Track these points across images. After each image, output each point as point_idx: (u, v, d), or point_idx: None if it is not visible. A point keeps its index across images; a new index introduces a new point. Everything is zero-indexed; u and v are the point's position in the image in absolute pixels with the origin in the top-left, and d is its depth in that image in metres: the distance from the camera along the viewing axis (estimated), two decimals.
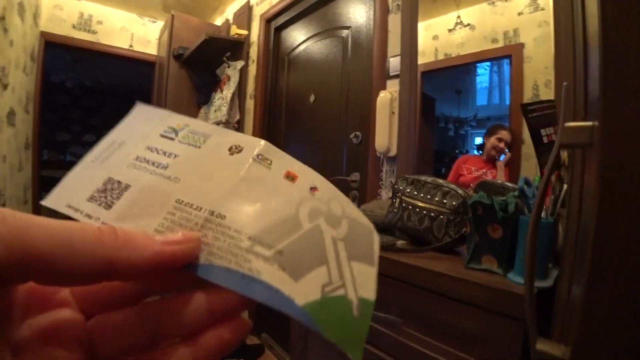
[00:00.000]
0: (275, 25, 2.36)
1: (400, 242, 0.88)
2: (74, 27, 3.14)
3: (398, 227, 0.93)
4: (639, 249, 0.28)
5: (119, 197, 0.21)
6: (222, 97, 2.46)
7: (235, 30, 2.49)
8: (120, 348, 0.17)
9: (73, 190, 0.22)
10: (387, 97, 1.38)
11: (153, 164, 0.23)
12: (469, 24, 1.22)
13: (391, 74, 1.41)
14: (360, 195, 1.60)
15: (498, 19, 1.14)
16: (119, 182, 0.21)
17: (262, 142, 0.24)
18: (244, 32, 2.51)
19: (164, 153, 0.23)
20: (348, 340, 0.18)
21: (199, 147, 0.24)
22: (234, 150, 0.23)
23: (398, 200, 0.96)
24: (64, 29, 3.10)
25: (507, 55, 1.14)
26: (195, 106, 2.84)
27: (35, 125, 3.01)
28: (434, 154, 1.45)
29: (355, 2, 1.74)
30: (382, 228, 0.98)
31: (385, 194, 1.42)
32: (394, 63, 1.39)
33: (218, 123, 2.40)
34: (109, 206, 0.20)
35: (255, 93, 2.38)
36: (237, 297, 0.17)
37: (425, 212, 0.85)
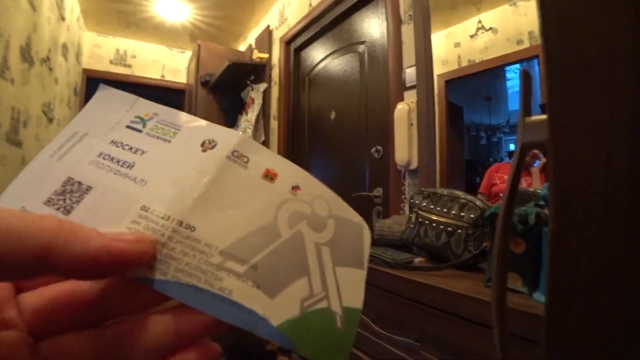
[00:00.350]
0: (294, 46, 2.41)
1: (417, 260, 0.83)
2: (111, 62, 3.38)
3: (415, 244, 0.88)
4: (594, 255, 0.24)
5: (78, 201, 0.18)
6: (247, 120, 2.52)
7: (257, 54, 2.57)
8: None
9: (29, 190, 0.19)
10: (404, 108, 1.34)
11: (118, 162, 0.20)
12: (491, 28, 1.18)
13: (407, 85, 1.38)
14: (383, 210, 1.56)
15: (521, 19, 1.09)
16: (79, 183, 0.19)
17: (238, 135, 0.22)
18: (265, 55, 2.58)
19: (130, 149, 0.21)
20: (330, 356, 0.17)
21: (169, 142, 0.21)
22: (207, 145, 0.21)
23: (415, 215, 0.92)
24: (102, 65, 3.34)
25: (535, 56, 1.08)
26: None
27: None
28: (465, 164, 1.38)
29: (369, 16, 1.74)
30: (400, 245, 0.93)
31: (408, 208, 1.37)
32: (410, 74, 1.36)
33: None
34: (67, 211, 0.18)
35: (279, 114, 2.41)
36: (207, 318, 0.15)
37: (442, 226, 0.80)
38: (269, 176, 0.21)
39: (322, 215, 0.21)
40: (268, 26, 2.73)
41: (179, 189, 0.19)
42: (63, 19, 2.44)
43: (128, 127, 0.22)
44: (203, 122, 0.22)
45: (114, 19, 3.11)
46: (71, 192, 0.19)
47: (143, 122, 0.22)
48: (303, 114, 2.31)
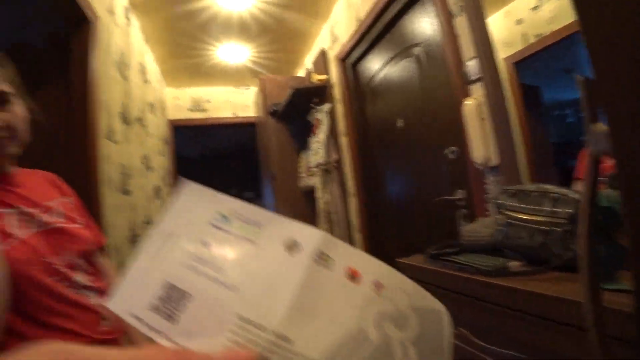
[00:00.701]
0: (350, 62, 2.45)
1: (513, 264, 0.77)
2: (189, 110, 3.78)
3: (507, 247, 0.82)
4: None
5: (180, 310, 0.21)
6: (318, 141, 2.60)
7: (315, 77, 2.66)
8: None
9: (133, 295, 0.22)
10: (473, 103, 1.27)
11: (210, 265, 0.22)
12: None
13: (471, 78, 1.31)
14: (469, 212, 1.47)
15: None
16: (178, 289, 0.22)
17: (319, 234, 0.23)
18: (324, 76, 2.66)
19: (218, 250, 0.23)
20: None
21: (254, 242, 0.23)
22: (291, 246, 0.22)
23: (503, 216, 0.85)
24: (183, 113, 3.75)
25: None
26: (296, 153, 3.05)
27: None
28: (553, 148, 1.25)
29: (418, 17, 1.70)
30: (490, 249, 0.87)
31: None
32: (472, 66, 1.29)
33: (318, 165, 2.53)
34: (171, 319, 0.21)
35: (347, 130, 2.45)
36: None
37: (534, 225, 0.73)
38: (352, 275, 0.22)
39: (405, 310, 0.22)
40: (322, 49, 2.82)
41: (271, 297, 0.21)
42: (147, 82, 2.81)
43: (213, 225, 0.24)
44: (283, 220, 0.24)
45: (186, 72, 3.49)
46: (173, 299, 0.21)
47: (226, 219, 0.24)
48: (370, 126, 2.32)
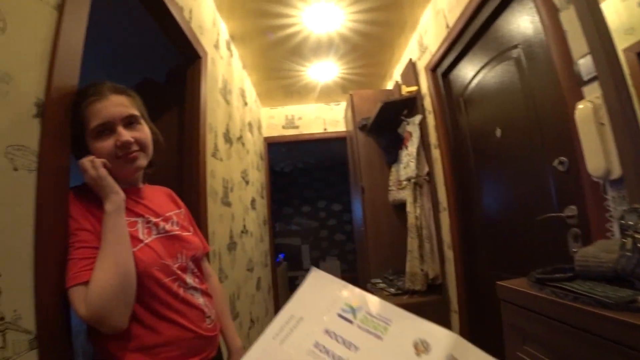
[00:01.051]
0: (440, 71, 2.35)
1: None
2: (283, 127, 4.04)
3: (637, 276, 0.68)
4: None
5: None
6: (408, 154, 2.54)
7: (405, 89, 2.61)
8: None
9: None
10: (587, 107, 1.11)
11: (333, 356, 0.21)
12: None
13: (585, 78, 1.14)
14: (582, 232, 1.27)
15: None
16: None
17: (451, 337, 0.22)
18: (414, 88, 2.60)
19: (344, 342, 0.22)
20: None
21: (380, 338, 0.22)
22: (421, 348, 0.21)
23: (630, 240, 0.72)
24: (277, 131, 4.02)
25: None
26: (386, 166, 3.02)
27: (268, 206, 3.87)
28: None
29: (515, 17, 1.56)
30: (613, 278, 0.74)
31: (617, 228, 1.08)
32: (585, 64, 1.13)
33: (409, 179, 2.47)
34: None
35: (439, 142, 2.35)
36: None
37: None
38: None
39: None
40: (410, 59, 2.77)
41: None
42: (246, 104, 3.09)
43: (340, 315, 0.24)
44: (412, 316, 0.23)
45: (280, 93, 3.75)
46: None
47: (353, 311, 0.24)
48: (464, 137, 2.18)
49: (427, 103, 2.51)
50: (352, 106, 3.17)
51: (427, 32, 2.47)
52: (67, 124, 0.79)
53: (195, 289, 0.89)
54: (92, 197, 0.78)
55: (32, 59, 0.72)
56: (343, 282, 0.25)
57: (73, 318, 0.73)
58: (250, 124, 3.24)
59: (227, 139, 2.31)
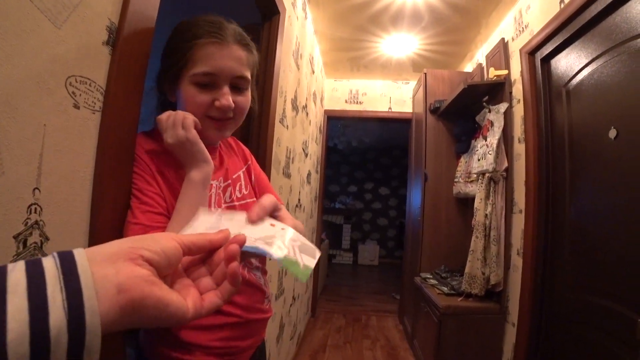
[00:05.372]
0: (540, 56, 2.04)
1: None
2: (346, 101, 3.86)
3: None
4: None
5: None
6: (487, 144, 2.28)
7: (493, 73, 2.32)
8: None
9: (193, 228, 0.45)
10: None
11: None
12: None
13: None
14: None
15: None
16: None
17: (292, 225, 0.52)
18: (504, 71, 2.30)
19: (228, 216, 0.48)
20: (297, 274, 0.42)
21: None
22: (274, 224, 0.50)
23: None
24: (339, 105, 3.85)
25: None
26: (454, 156, 2.78)
27: (321, 182, 3.78)
28: None
29: None
30: None
31: None
32: None
33: (484, 172, 2.23)
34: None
35: (526, 135, 2.07)
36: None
37: None
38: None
39: (299, 238, 0.49)
40: (502, 39, 2.44)
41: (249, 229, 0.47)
42: (313, 72, 2.94)
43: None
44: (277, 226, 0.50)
45: (347, 65, 3.55)
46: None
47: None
48: (561, 134, 1.89)
49: (517, 90, 2.22)
50: (425, 86, 2.92)
51: (531, 7, 2.14)
52: (142, 57, 0.66)
53: (257, 268, 0.82)
54: (163, 151, 0.67)
55: None
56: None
57: None
58: (314, 94, 3.10)
59: (294, 106, 2.20)
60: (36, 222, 0.47)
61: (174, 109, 0.66)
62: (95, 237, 0.56)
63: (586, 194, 1.68)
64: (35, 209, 0.46)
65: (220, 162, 0.81)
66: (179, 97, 0.68)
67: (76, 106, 0.53)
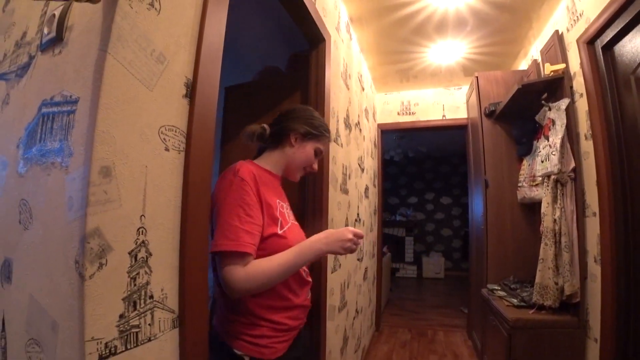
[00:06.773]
0: (601, 44, 1.92)
1: None
2: (398, 113, 3.88)
3: None
4: None
5: None
6: (549, 145, 2.17)
7: (549, 68, 2.22)
8: None
9: None
10: None
11: None
12: None
13: None
14: None
15: None
16: None
17: None
18: (561, 66, 2.19)
19: None
20: None
21: None
22: None
23: None
24: (392, 117, 3.88)
25: None
26: (516, 159, 2.67)
27: (379, 195, 3.81)
28: None
29: None
30: None
31: None
32: None
33: (549, 175, 2.12)
34: None
35: (593, 131, 1.94)
36: None
37: None
38: None
39: None
40: (556, 31, 2.33)
41: None
42: (363, 89, 3.03)
43: None
44: None
45: (395, 77, 3.58)
46: None
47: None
48: (633, 126, 1.75)
49: (578, 84, 2.09)
50: (478, 89, 2.86)
51: None
52: (212, 104, 0.81)
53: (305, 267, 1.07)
54: (266, 177, 0.98)
55: (183, 40, 0.74)
56: None
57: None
58: (366, 110, 3.18)
59: (347, 124, 2.30)
60: (143, 242, 0.61)
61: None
62: (184, 252, 0.71)
63: None
64: (142, 231, 0.61)
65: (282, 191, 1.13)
66: (298, 149, 1.07)
67: (167, 149, 0.69)
